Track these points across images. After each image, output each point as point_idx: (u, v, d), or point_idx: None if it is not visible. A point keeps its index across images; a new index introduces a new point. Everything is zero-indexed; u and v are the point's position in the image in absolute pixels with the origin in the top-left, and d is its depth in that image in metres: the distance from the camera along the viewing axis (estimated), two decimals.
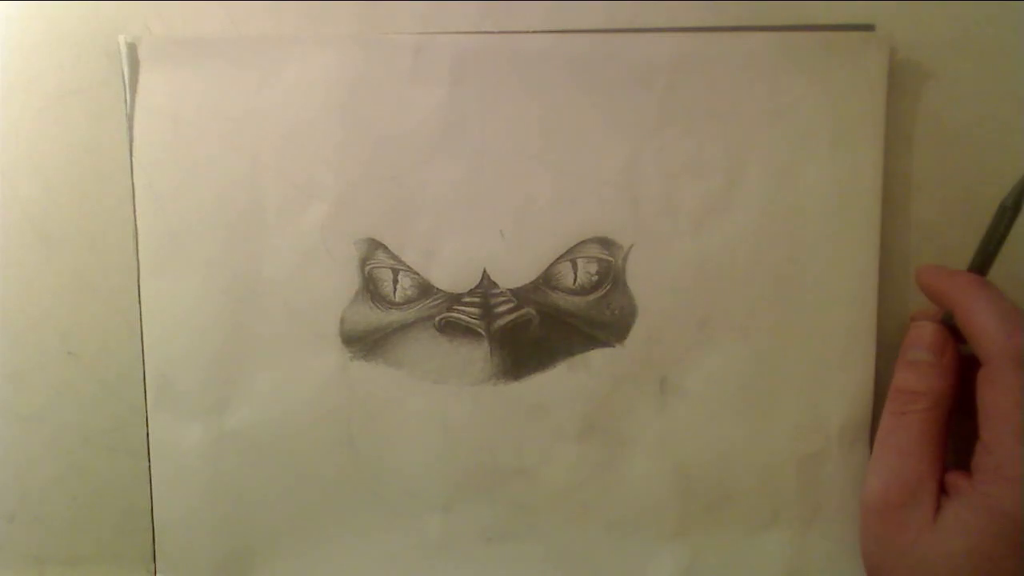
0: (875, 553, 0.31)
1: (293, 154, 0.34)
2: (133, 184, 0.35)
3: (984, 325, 0.29)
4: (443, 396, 0.35)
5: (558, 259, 0.34)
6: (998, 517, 0.28)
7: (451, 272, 0.35)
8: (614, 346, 0.35)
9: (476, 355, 0.35)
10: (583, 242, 0.34)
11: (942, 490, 0.30)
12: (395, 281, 0.35)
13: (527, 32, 0.34)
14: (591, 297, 0.35)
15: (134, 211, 0.35)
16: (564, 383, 0.35)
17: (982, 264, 0.31)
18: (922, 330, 0.32)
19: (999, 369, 0.28)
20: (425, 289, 0.35)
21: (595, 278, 0.34)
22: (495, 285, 0.35)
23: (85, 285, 0.36)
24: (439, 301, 0.35)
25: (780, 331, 0.34)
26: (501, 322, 0.35)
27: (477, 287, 0.35)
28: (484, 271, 0.34)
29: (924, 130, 0.34)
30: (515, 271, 0.34)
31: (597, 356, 0.35)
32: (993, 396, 0.28)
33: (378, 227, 0.35)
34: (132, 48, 0.34)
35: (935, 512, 0.29)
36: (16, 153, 0.36)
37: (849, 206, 0.33)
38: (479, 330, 0.35)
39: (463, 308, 0.35)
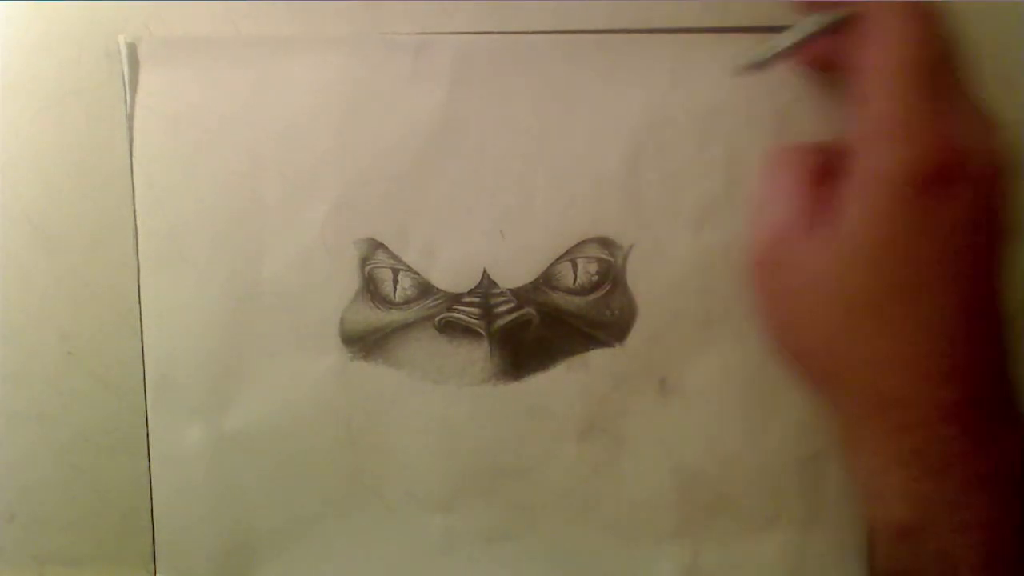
0: (767, 315, 0.28)
1: (293, 154, 0.34)
2: (133, 184, 0.35)
3: None
4: (443, 396, 0.35)
5: (558, 259, 0.34)
6: (891, 190, 0.23)
7: (451, 272, 0.35)
8: (614, 346, 0.35)
9: (476, 355, 0.35)
10: (583, 242, 0.34)
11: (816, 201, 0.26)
12: (395, 281, 0.35)
13: (527, 32, 0.34)
14: (591, 297, 0.35)
15: (134, 211, 0.35)
16: (564, 383, 0.35)
17: None
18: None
19: (879, 21, 0.24)
20: (425, 289, 0.35)
21: (595, 278, 0.34)
22: (495, 285, 0.35)
23: (85, 285, 0.36)
24: (439, 301, 0.35)
25: None
26: (501, 322, 0.35)
27: (477, 287, 0.35)
28: (484, 271, 0.34)
29: None
30: (515, 271, 0.34)
31: (597, 356, 0.35)
32: (874, 54, 0.24)
33: (378, 227, 0.35)
34: (132, 48, 0.34)
35: (809, 233, 0.25)
36: (16, 153, 0.36)
37: None
38: (479, 330, 0.35)
39: (463, 308, 0.35)
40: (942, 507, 0.23)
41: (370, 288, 0.35)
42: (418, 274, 0.35)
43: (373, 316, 0.35)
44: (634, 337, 0.35)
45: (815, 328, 0.25)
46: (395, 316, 0.35)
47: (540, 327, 0.35)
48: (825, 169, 0.27)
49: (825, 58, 0.29)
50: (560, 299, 0.35)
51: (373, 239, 0.35)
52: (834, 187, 0.25)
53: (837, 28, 0.27)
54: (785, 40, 0.28)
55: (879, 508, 0.25)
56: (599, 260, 0.34)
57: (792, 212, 0.26)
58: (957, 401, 0.23)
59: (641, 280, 0.34)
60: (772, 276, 0.27)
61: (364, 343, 0.35)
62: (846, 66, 0.26)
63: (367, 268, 0.35)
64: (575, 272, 0.34)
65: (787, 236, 0.26)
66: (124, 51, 0.34)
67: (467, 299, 0.35)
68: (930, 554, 0.23)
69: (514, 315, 0.35)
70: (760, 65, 0.29)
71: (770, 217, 0.27)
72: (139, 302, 0.36)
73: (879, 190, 0.23)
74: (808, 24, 0.28)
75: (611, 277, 0.34)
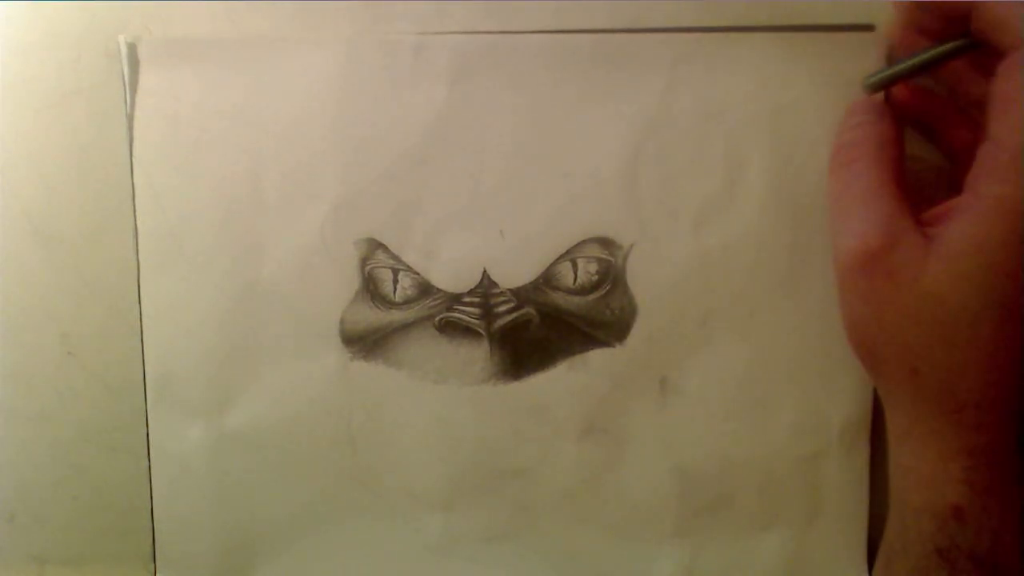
0: (864, 315, 0.28)
1: (293, 154, 0.34)
2: (133, 184, 0.35)
3: (1006, 13, 0.25)
4: (443, 396, 0.35)
5: (558, 259, 0.34)
6: (1012, 219, 0.24)
7: (451, 272, 0.35)
8: (614, 346, 0.35)
9: (476, 355, 0.35)
10: (583, 242, 0.34)
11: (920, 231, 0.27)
12: (395, 281, 0.35)
13: (527, 32, 0.34)
14: (591, 297, 0.35)
15: (134, 211, 0.35)
16: (564, 383, 0.35)
17: None
18: (858, 101, 0.30)
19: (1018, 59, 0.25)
20: (425, 289, 0.35)
21: (595, 278, 0.34)
22: (495, 285, 0.35)
23: (85, 285, 0.36)
24: (439, 301, 0.35)
25: (780, 331, 0.34)
26: (501, 322, 0.35)
27: (477, 287, 0.35)
28: (484, 271, 0.34)
29: None
30: (515, 271, 0.34)
31: (597, 356, 0.35)
32: (1010, 86, 0.25)
33: (378, 227, 0.35)
34: (132, 48, 0.34)
35: (924, 246, 0.26)
36: (16, 153, 0.36)
37: None
38: (479, 330, 0.35)
39: (463, 308, 0.35)
40: (995, 491, 0.26)
41: (370, 288, 0.35)
42: (418, 274, 0.35)
43: (373, 316, 0.35)
44: (634, 337, 0.35)
45: (906, 331, 0.27)
46: (395, 316, 0.35)
47: (540, 327, 0.35)
48: (899, 168, 0.28)
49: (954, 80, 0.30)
50: (560, 299, 0.35)
51: (373, 239, 0.35)
52: (934, 199, 0.27)
53: (959, 55, 0.28)
54: (910, 62, 0.29)
55: (932, 492, 0.27)
56: (599, 260, 0.34)
57: (897, 217, 0.27)
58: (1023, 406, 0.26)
59: (641, 280, 0.34)
60: (870, 278, 0.27)
61: (364, 343, 0.35)
62: (969, 91, 0.28)
63: (367, 268, 0.35)
64: (575, 272, 0.34)
65: (894, 241, 0.27)
66: (124, 51, 0.34)
67: (467, 299, 0.35)
68: (980, 531, 0.26)
69: (514, 315, 0.35)
70: (881, 84, 0.30)
71: (873, 218, 0.27)
72: (139, 302, 0.36)
73: (999, 219, 0.25)
74: (935, 48, 0.29)
75: (611, 277, 0.34)
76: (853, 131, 0.29)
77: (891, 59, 0.32)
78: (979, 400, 0.26)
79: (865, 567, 0.35)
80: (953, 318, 0.25)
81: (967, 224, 0.25)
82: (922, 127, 0.31)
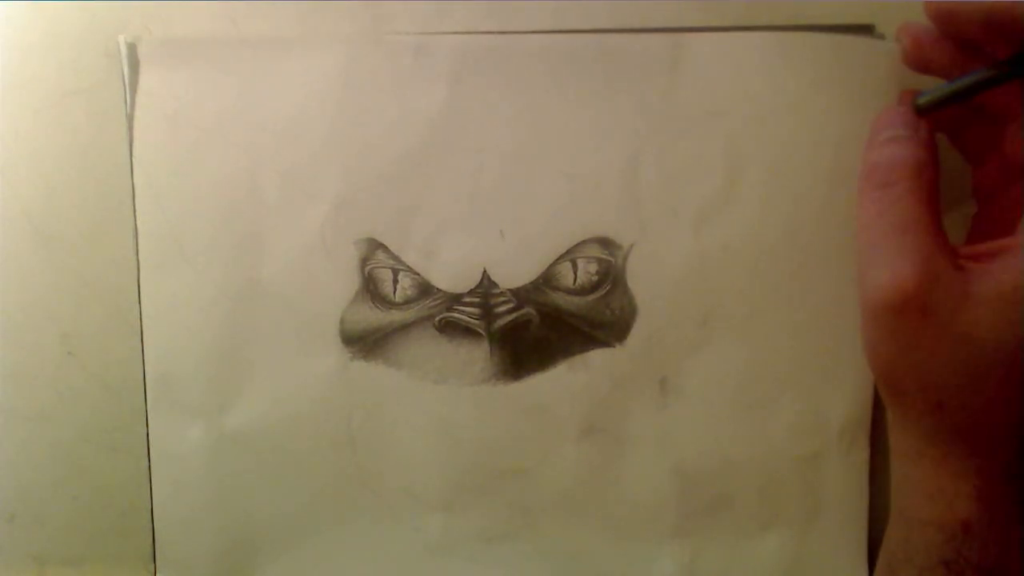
0: (893, 353, 0.26)
1: (293, 154, 0.34)
2: (133, 184, 0.35)
3: None
4: (443, 396, 0.35)
5: (558, 259, 0.34)
6: None
7: (451, 272, 0.35)
8: (614, 346, 0.35)
9: (476, 355, 0.35)
10: (583, 242, 0.34)
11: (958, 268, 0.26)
12: (395, 281, 0.35)
13: (527, 32, 0.34)
14: (591, 297, 0.35)
15: (134, 211, 0.35)
16: (564, 383, 0.35)
17: None
18: (892, 111, 0.28)
19: None
20: (425, 289, 0.35)
21: (595, 278, 0.34)
22: (495, 285, 0.35)
23: (85, 285, 0.36)
24: (439, 301, 0.35)
25: (780, 331, 0.34)
26: (501, 322, 0.35)
27: (477, 287, 0.35)
28: (484, 271, 0.34)
29: None
30: (515, 271, 0.34)
31: (597, 356, 0.35)
32: None
33: (378, 227, 0.35)
34: (132, 48, 0.34)
35: (963, 285, 0.25)
36: (16, 153, 0.36)
37: (849, 206, 0.33)
38: (479, 330, 0.35)
39: (463, 308, 0.35)
40: (1005, 507, 0.26)
41: (370, 288, 0.35)
42: (418, 274, 0.35)
43: (373, 316, 0.35)
44: (634, 337, 0.35)
45: (935, 370, 0.26)
46: (395, 316, 0.35)
47: (540, 327, 0.35)
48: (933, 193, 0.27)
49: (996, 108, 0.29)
50: (560, 299, 0.35)
51: (373, 239, 0.35)
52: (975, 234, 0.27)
53: (1008, 80, 0.27)
54: (967, 81, 0.27)
55: (942, 507, 0.27)
56: (599, 260, 0.34)
57: (935, 255, 0.26)
58: None
59: (641, 280, 0.34)
60: (902, 316, 0.26)
61: (364, 343, 0.35)
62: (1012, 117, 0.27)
63: (367, 268, 0.35)
64: (575, 272, 0.34)
65: (931, 282, 0.25)
66: (124, 51, 0.34)
67: (467, 299, 0.35)
68: (987, 545, 0.26)
69: (514, 315, 0.35)
70: (936, 106, 0.28)
71: (909, 256, 0.26)
72: (139, 302, 0.36)
73: None
74: (983, 72, 0.27)
75: (611, 277, 0.34)
76: (888, 148, 0.27)
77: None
78: (1001, 426, 0.26)
79: (865, 567, 0.35)
80: (987, 360, 0.25)
81: (1013, 268, 0.25)
82: (945, 127, 0.30)
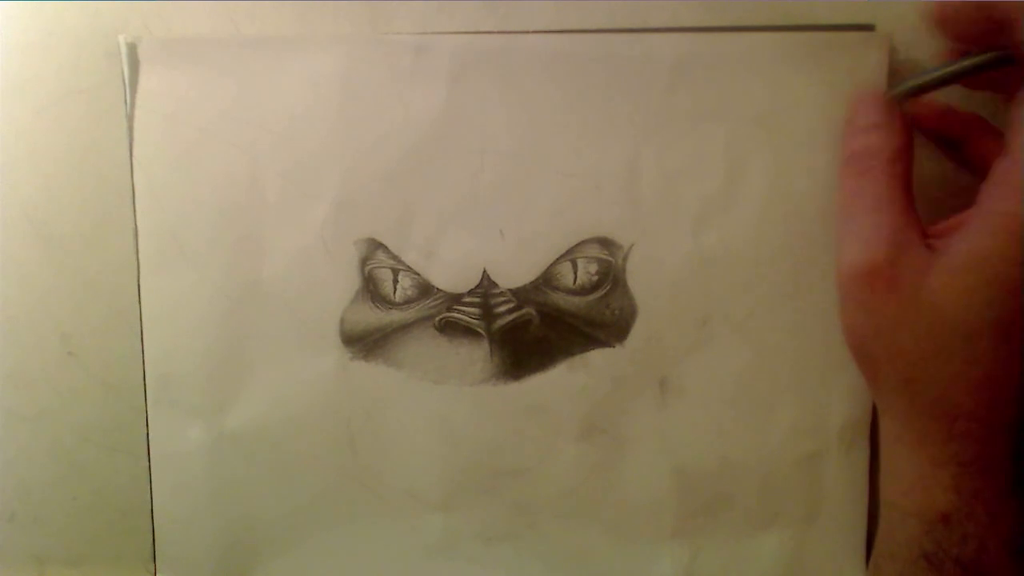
0: (864, 324, 0.28)
1: (293, 154, 0.34)
2: (133, 184, 0.35)
3: None
4: (443, 396, 0.35)
5: (558, 259, 0.34)
6: (1018, 238, 0.24)
7: (451, 272, 0.35)
8: (614, 346, 0.35)
9: (476, 355, 0.35)
10: (583, 242, 0.34)
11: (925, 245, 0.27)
12: (395, 281, 0.35)
13: (526, 32, 0.34)
14: (591, 297, 0.35)
15: (134, 211, 0.35)
16: (564, 383, 0.35)
17: None
18: (868, 99, 0.30)
19: None
20: (425, 289, 0.35)
21: (595, 278, 0.34)
22: (495, 285, 0.35)
23: (85, 285, 0.36)
24: (439, 301, 0.35)
25: (780, 331, 0.34)
26: (501, 322, 0.35)
27: (477, 287, 0.35)
28: (484, 271, 0.34)
29: None
30: (515, 271, 0.34)
31: (597, 356, 0.35)
32: None
33: (378, 227, 0.35)
34: (132, 48, 0.34)
35: (928, 258, 0.26)
36: (16, 153, 0.36)
37: None
38: (479, 330, 0.35)
39: (463, 308, 0.35)
40: (983, 499, 0.26)
41: (370, 288, 0.35)
42: (418, 274, 0.35)
43: (373, 316, 0.35)
44: (634, 337, 0.35)
45: (903, 341, 0.27)
46: (395, 316, 0.35)
47: (540, 327, 0.35)
48: (907, 178, 0.28)
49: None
50: (560, 299, 0.35)
51: (373, 239, 0.35)
52: (941, 210, 0.27)
53: (991, 68, 0.27)
54: (937, 72, 0.29)
55: (921, 497, 0.27)
56: (599, 260, 0.34)
57: (904, 230, 0.27)
58: (1018, 418, 0.26)
59: (641, 280, 0.34)
60: (871, 288, 0.27)
61: (364, 343, 0.35)
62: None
63: (367, 268, 0.35)
64: (575, 272, 0.34)
65: (899, 254, 0.27)
66: (124, 51, 0.34)
67: (467, 299, 0.35)
68: (966, 538, 0.26)
69: (514, 315, 0.35)
70: (907, 95, 0.29)
71: (879, 230, 0.27)
72: (139, 302, 0.36)
73: (1005, 237, 0.25)
74: (965, 60, 0.28)
75: (611, 277, 0.34)
76: (866, 137, 0.29)
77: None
78: (971, 412, 0.26)
79: (864, 567, 0.35)
80: (951, 331, 0.26)
81: (973, 239, 0.26)
82: (948, 142, 0.31)
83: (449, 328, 0.35)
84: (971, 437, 0.26)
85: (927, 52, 0.33)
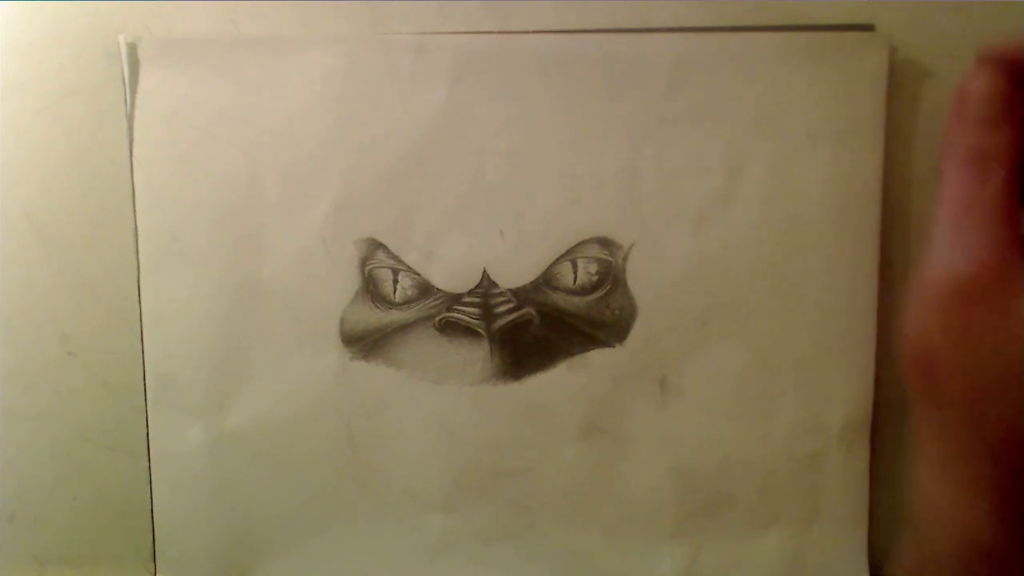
0: (940, 336, 0.25)
1: (293, 154, 0.34)
2: (133, 184, 0.35)
3: None
4: (443, 396, 0.35)
5: (558, 259, 0.34)
6: None
7: (451, 272, 0.35)
8: (614, 346, 0.35)
9: (476, 355, 0.35)
10: (583, 242, 0.34)
11: None
12: (395, 281, 0.35)
13: (526, 32, 0.34)
14: (591, 297, 0.35)
15: (134, 211, 0.35)
16: (564, 383, 0.35)
17: None
18: (990, 80, 0.25)
19: None
20: (425, 289, 0.35)
21: (595, 278, 0.34)
22: (495, 285, 0.35)
23: (85, 285, 0.36)
24: (439, 301, 0.35)
25: (780, 331, 0.34)
26: (501, 322, 0.35)
27: (477, 287, 0.35)
28: (484, 271, 0.34)
29: (924, 130, 0.34)
30: (515, 271, 0.34)
31: (597, 356, 0.35)
32: None
33: (378, 227, 0.35)
34: (132, 48, 0.34)
35: None
36: (16, 153, 0.36)
37: (849, 205, 0.33)
38: (479, 330, 0.35)
39: (463, 308, 0.35)
40: None
41: (370, 288, 0.35)
42: (418, 274, 0.35)
43: (373, 316, 0.35)
44: (634, 337, 0.35)
45: (987, 371, 0.25)
46: (395, 316, 0.35)
47: (540, 327, 0.35)
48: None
49: None
50: (560, 299, 0.35)
51: (373, 239, 0.35)
52: None
53: None
54: None
55: (961, 531, 0.26)
56: (599, 260, 0.34)
57: (1013, 244, 0.25)
58: None
59: (641, 280, 0.34)
60: (967, 307, 0.25)
61: (364, 343, 0.35)
62: None
63: (367, 268, 0.35)
64: (575, 272, 0.34)
65: (1005, 269, 0.24)
66: (124, 51, 0.34)
67: (467, 299, 0.35)
68: (1007, 568, 0.25)
69: (514, 315, 0.35)
70: None
71: (990, 242, 0.25)
72: (139, 302, 0.36)
73: None
74: None
75: (611, 277, 0.34)
76: (987, 131, 0.26)
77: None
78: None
79: (865, 567, 0.35)
80: None
81: None
82: None
83: (449, 328, 0.35)
84: (1019, 466, 0.25)
85: (927, 52, 0.33)
